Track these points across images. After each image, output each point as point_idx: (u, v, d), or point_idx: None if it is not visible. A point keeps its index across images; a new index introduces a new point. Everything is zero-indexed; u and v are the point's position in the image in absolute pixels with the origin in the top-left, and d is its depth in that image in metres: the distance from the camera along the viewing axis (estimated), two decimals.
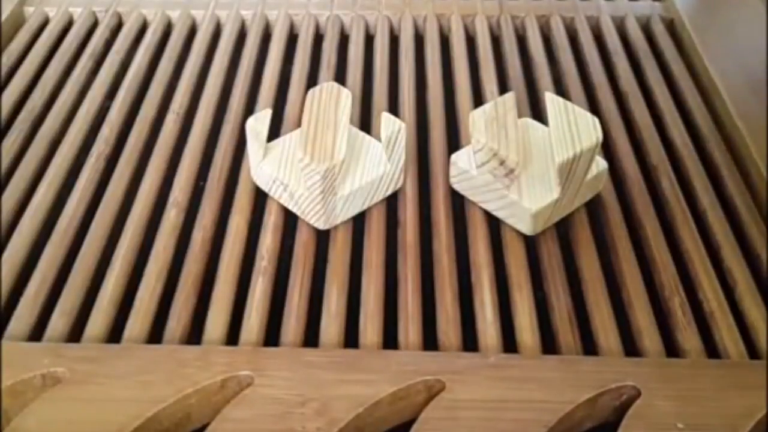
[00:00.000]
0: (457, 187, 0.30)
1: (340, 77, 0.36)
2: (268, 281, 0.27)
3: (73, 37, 0.39)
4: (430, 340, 0.25)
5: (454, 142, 0.33)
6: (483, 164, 0.28)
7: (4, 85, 0.36)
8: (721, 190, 0.31)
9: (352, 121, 0.29)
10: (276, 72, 0.36)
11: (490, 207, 0.29)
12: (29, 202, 0.30)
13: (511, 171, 0.27)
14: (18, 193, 0.30)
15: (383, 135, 0.28)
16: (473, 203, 0.29)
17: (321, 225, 0.28)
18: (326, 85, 0.29)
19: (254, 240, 0.28)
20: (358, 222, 0.29)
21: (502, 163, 0.27)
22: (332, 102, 0.28)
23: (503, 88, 0.36)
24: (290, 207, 0.28)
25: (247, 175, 0.30)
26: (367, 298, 0.26)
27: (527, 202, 0.27)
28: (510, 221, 0.28)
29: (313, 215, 0.28)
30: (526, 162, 0.28)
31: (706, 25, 0.38)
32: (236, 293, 0.27)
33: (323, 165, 0.26)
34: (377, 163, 0.29)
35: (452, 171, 0.29)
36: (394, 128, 0.28)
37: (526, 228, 0.28)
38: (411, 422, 0.22)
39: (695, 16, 0.39)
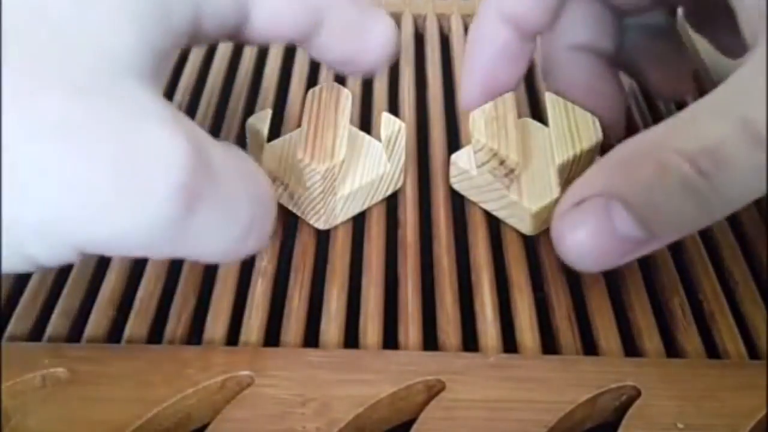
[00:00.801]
0: (457, 187, 0.30)
1: (340, 77, 0.36)
2: (268, 281, 0.27)
3: None
4: (430, 340, 0.25)
5: (454, 142, 0.33)
6: (483, 164, 0.28)
7: None
8: None
9: (352, 121, 0.29)
10: (276, 72, 0.36)
11: (490, 207, 0.29)
12: None
13: (512, 171, 0.27)
14: None
15: (383, 135, 0.28)
16: (473, 203, 0.29)
17: (321, 225, 0.28)
18: (326, 85, 0.29)
19: None
20: (358, 222, 0.29)
21: (502, 163, 0.27)
22: (332, 102, 0.28)
23: None
24: (290, 207, 0.28)
25: None
26: (367, 298, 0.26)
27: (527, 202, 0.27)
28: (510, 221, 0.28)
29: (313, 215, 0.28)
30: (526, 162, 0.28)
31: None
32: (236, 293, 0.27)
33: (323, 165, 0.26)
34: (377, 163, 0.29)
35: (452, 171, 0.29)
36: (394, 128, 0.28)
37: (526, 228, 0.28)
38: (411, 422, 0.22)
39: None
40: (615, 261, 0.23)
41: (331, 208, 0.27)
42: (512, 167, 0.27)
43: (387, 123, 0.28)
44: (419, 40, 0.39)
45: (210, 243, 0.20)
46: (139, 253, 0.20)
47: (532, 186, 0.28)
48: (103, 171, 0.17)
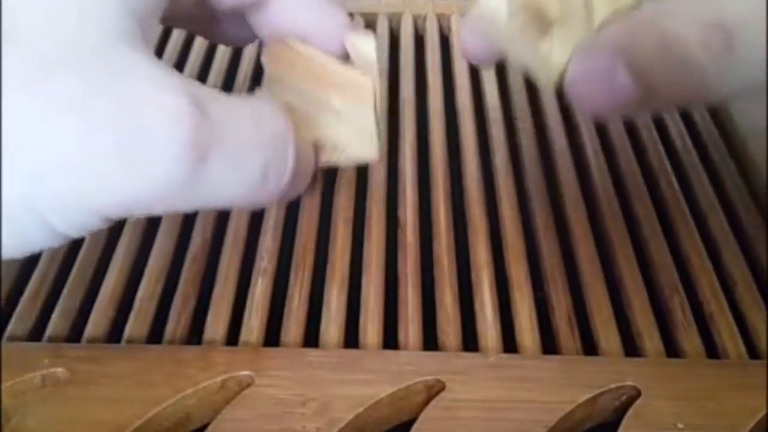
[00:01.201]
0: (476, 32, 0.26)
1: None
2: (268, 281, 0.27)
3: None
4: (430, 340, 0.25)
5: (454, 142, 0.33)
6: (516, 13, 0.25)
7: None
8: (721, 190, 0.31)
9: None
10: None
11: (515, 57, 0.26)
12: None
13: (548, 24, 0.24)
14: None
15: (370, 55, 0.27)
16: (473, 204, 0.29)
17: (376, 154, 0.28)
18: (273, 45, 0.27)
19: (254, 240, 0.28)
20: (358, 222, 0.29)
21: (537, 14, 0.24)
22: (294, 53, 0.27)
23: (504, 87, 0.36)
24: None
25: None
26: (367, 298, 0.26)
27: (558, 57, 0.24)
28: (532, 72, 0.25)
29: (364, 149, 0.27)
30: (563, 17, 0.25)
31: None
32: (236, 293, 0.27)
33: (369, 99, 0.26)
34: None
35: (475, 12, 0.26)
36: (373, 45, 0.27)
37: (550, 82, 0.24)
38: (411, 422, 0.22)
39: None
40: (608, 107, 0.22)
41: (378, 133, 0.27)
42: (549, 20, 0.24)
43: (365, 42, 0.27)
44: (419, 40, 0.39)
45: (227, 190, 0.21)
46: (160, 210, 0.21)
47: (566, 43, 0.24)
48: (108, 140, 0.18)
